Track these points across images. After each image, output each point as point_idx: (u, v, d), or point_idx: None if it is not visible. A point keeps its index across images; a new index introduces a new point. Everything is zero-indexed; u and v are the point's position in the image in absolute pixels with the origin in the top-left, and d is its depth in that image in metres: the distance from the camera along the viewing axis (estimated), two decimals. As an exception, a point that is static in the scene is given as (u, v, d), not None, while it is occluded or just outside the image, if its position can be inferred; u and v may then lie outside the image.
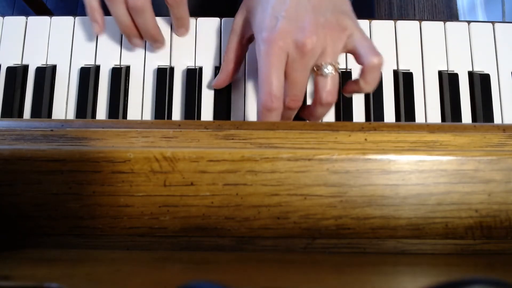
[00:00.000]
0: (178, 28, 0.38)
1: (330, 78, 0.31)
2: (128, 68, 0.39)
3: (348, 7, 0.33)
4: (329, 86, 0.32)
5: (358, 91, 0.34)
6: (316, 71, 0.31)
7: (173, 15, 0.36)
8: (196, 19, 0.39)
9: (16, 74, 0.38)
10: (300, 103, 0.33)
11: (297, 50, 0.30)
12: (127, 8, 0.34)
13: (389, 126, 0.25)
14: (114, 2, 0.34)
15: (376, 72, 0.32)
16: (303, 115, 0.35)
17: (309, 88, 0.38)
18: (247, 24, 0.34)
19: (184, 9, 0.36)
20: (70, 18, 0.39)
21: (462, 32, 0.39)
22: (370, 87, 0.33)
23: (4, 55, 0.39)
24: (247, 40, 0.35)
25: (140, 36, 0.37)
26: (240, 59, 0.36)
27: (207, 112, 0.38)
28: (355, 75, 0.38)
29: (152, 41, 0.37)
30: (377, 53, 0.32)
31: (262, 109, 0.31)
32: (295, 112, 0.34)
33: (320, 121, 0.37)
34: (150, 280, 0.19)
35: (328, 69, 0.31)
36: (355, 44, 0.32)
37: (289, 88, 0.32)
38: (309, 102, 0.38)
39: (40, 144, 0.24)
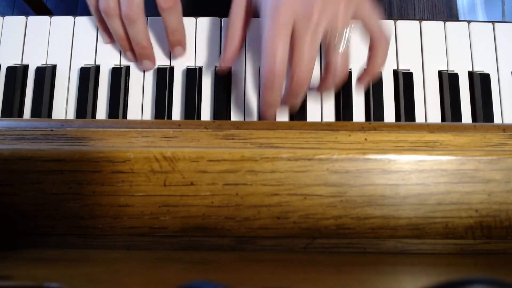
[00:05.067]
0: (173, 46, 0.37)
1: (342, 51, 0.30)
2: (128, 68, 0.39)
3: None
4: (342, 60, 0.30)
5: (372, 76, 0.33)
6: (329, 46, 0.30)
7: (167, 25, 0.35)
8: (196, 19, 0.39)
9: (16, 74, 0.38)
10: (307, 83, 0.31)
11: (304, 19, 0.29)
12: (121, 19, 0.34)
13: (389, 126, 0.25)
14: (109, 16, 0.34)
15: (384, 50, 0.32)
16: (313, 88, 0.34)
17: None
18: None
19: (178, 18, 0.35)
20: (70, 18, 0.39)
21: (462, 32, 0.39)
22: (379, 67, 0.32)
23: (4, 55, 0.39)
24: (251, 14, 0.34)
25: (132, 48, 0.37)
26: (244, 34, 0.34)
27: (207, 112, 0.38)
28: (355, 75, 0.38)
29: (142, 55, 0.36)
30: (384, 31, 0.31)
31: (263, 87, 0.30)
32: (301, 98, 0.32)
33: (320, 120, 0.37)
34: (150, 280, 0.19)
35: (341, 44, 0.30)
36: (365, 14, 0.31)
37: (295, 65, 0.30)
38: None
39: (40, 144, 0.24)
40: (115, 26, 0.35)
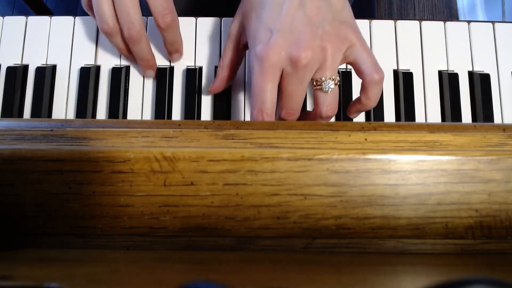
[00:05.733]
0: (171, 53, 0.38)
1: (330, 92, 0.30)
2: (128, 68, 0.39)
3: (348, 15, 0.31)
4: (329, 100, 0.31)
5: (362, 108, 0.33)
6: (315, 86, 0.30)
7: (166, 40, 0.36)
8: (196, 19, 0.39)
9: (16, 74, 0.38)
10: (296, 116, 0.32)
11: (291, 65, 0.29)
12: (122, 37, 0.35)
13: (389, 126, 0.25)
14: (111, 36, 0.35)
15: (377, 88, 0.31)
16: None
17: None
18: (243, 30, 0.33)
19: (176, 32, 0.36)
20: (70, 18, 0.39)
21: (462, 32, 0.39)
22: (372, 103, 0.32)
23: (4, 55, 0.39)
24: (243, 46, 0.35)
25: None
26: (236, 65, 0.36)
27: (207, 112, 0.38)
28: (355, 75, 0.38)
29: (146, 66, 0.37)
30: (378, 69, 0.31)
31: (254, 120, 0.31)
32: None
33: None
34: (150, 280, 0.19)
35: (328, 85, 0.30)
36: (355, 57, 0.31)
37: (285, 101, 0.31)
38: (309, 107, 0.38)
39: (40, 144, 0.24)
40: (117, 44, 0.36)
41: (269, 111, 0.30)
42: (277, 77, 0.30)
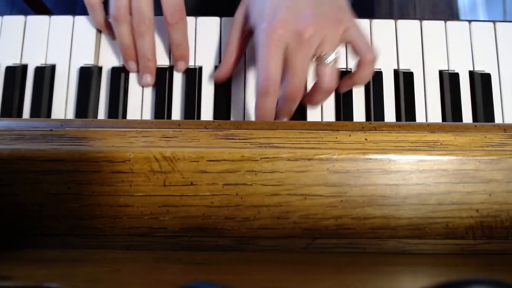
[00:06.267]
0: (176, 61, 0.38)
1: (330, 66, 0.33)
2: (128, 67, 0.38)
3: (345, 3, 0.34)
4: (330, 73, 0.33)
5: (353, 84, 0.36)
6: (317, 60, 0.33)
7: (172, 39, 0.37)
8: (196, 19, 0.39)
9: (15, 73, 0.38)
10: (301, 94, 0.33)
11: (296, 39, 0.31)
12: (131, 28, 0.36)
13: (390, 126, 0.25)
14: (119, 22, 0.35)
15: (370, 67, 0.34)
16: (304, 101, 0.36)
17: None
18: (247, 17, 0.35)
19: (183, 33, 0.37)
20: (70, 18, 0.39)
21: (463, 32, 0.39)
22: (363, 81, 0.35)
23: (3, 55, 0.39)
24: (248, 33, 0.36)
25: (136, 60, 0.37)
26: (240, 52, 0.37)
27: (207, 112, 0.38)
28: (355, 74, 0.38)
29: (145, 68, 0.37)
30: (371, 50, 0.34)
31: (258, 94, 0.32)
32: (295, 105, 0.34)
33: (320, 120, 0.37)
34: (150, 280, 0.19)
35: (329, 58, 0.32)
36: (352, 38, 0.34)
37: (289, 77, 0.32)
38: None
39: (40, 144, 0.24)
40: (123, 33, 0.36)
41: (274, 79, 0.32)
42: (282, 50, 0.32)
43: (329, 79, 0.33)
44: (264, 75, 0.32)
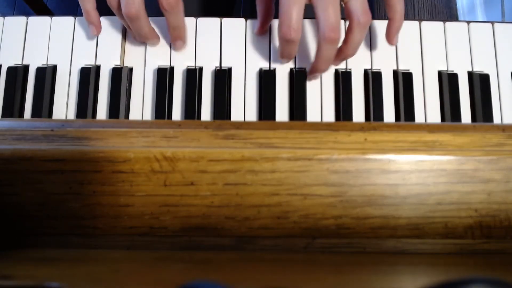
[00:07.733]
0: (174, 40, 0.38)
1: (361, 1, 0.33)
2: (128, 68, 0.39)
3: None
4: (361, 6, 0.33)
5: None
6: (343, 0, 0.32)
7: (169, 23, 0.37)
8: (196, 19, 0.39)
9: (17, 74, 0.38)
10: (338, 35, 0.33)
11: None
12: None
13: (389, 126, 0.25)
14: (113, 9, 0.36)
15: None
16: (342, 48, 0.36)
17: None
18: None
19: (180, 17, 0.37)
20: (71, 18, 0.40)
21: (461, 32, 0.39)
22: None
23: (4, 55, 0.39)
24: None
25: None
26: (270, 2, 0.37)
27: (207, 112, 0.38)
28: (355, 75, 0.38)
29: (146, 41, 0.38)
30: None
31: (281, 40, 0.33)
32: (335, 49, 0.34)
33: (320, 120, 0.37)
34: (150, 280, 0.20)
35: None
36: None
37: (323, 19, 0.32)
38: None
39: (41, 144, 0.24)
40: (121, 20, 0.37)
41: (295, 26, 0.32)
42: None
43: (363, 11, 0.33)
44: (286, 24, 0.31)
